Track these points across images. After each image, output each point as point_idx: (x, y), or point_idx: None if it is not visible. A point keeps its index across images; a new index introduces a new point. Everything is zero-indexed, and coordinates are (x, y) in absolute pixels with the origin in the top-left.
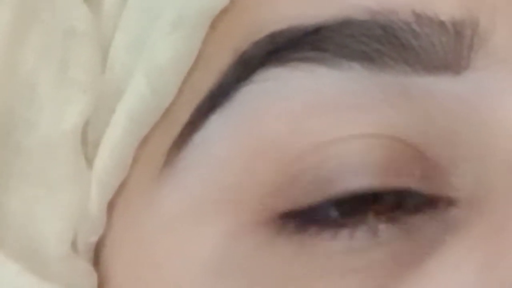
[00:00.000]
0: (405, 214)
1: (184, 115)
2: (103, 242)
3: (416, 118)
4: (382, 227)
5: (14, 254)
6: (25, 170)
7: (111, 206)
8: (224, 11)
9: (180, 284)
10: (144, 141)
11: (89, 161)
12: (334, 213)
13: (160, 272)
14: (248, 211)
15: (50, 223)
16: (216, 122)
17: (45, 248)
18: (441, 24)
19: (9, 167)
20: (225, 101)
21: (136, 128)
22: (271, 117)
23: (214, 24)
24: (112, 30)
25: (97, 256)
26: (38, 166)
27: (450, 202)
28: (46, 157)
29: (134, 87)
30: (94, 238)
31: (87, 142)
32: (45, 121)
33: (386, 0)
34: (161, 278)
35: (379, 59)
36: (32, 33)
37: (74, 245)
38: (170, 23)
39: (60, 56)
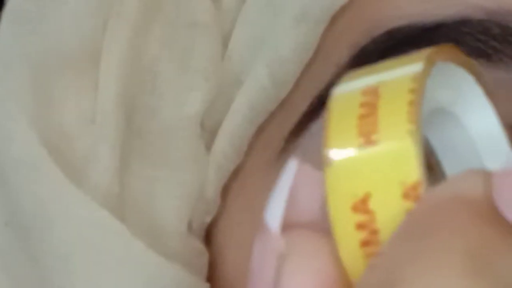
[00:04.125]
0: None
1: (301, 105)
2: (215, 223)
3: None
4: None
5: (135, 231)
6: (146, 152)
7: (225, 189)
8: (344, 7)
9: None
10: (261, 128)
11: (206, 145)
12: None
13: None
14: None
15: (169, 202)
16: None
17: (164, 225)
18: None
19: (131, 149)
20: None
21: (255, 115)
22: None
23: (333, 19)
24: (231, 24)
25: (207, 237)
26: (158, 149)
27: None
28: (167, 140)
29: (254, 77)
30: (208, 219)
31: (204, 127)
32: (166, 107)
33: (504, 1)
34: None
35: (495, 56)
36: (155, 25)
37: (189, 224)
38: (294, 18)
39: (183, 46)
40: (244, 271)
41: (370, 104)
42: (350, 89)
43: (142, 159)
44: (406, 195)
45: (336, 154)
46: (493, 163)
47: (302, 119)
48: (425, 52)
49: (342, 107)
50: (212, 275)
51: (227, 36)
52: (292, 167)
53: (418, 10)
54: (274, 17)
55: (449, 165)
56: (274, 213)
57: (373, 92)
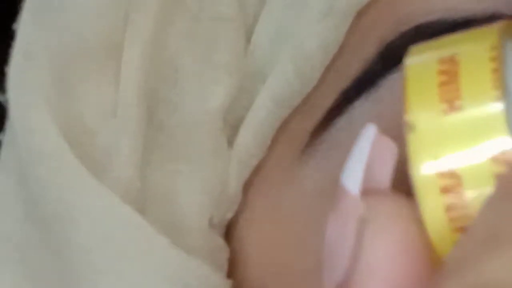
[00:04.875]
0: None
1: (327, 99)
2: (236, 219)
3: None
4: None
5: (156, 226)
6: (167, 146)
7: (247, 184)
8: (371, 1)
9: (318, 260)
10: (284, 123)
11: (228, 140)
12: None
13: (296, 248)
14: None
15: (191, 197)
16: (361, 107)
17: (185, 220)
18: None
19: (152, 144)
20: (371, 87)
21: (280, 110)
22: None
23: (360, 14)
24: (255, 18)
25: (227, 233)
26: (180, 143)
27: None
28: (188, 134)
29: (279, 72)
30: (230, 215)
31: (227, 122)
32: (188, 101)
33: None
34: (297, 255)
35: None
36: (177, 18)
37: (210, 220)
38: (320, 12)
39: (206, 40)
40: (264, 267)
41: (450, 72)
42: (424, 59)
43: (164, 154)
44: (494, 159)
45: (420, 119)
46: None
47: (326, 115)
48: (494, 26)
49: (419, 75)
50: (232, 271)
51: (250, 30)
52: (370, 132)
53: (447, 5)
54: (298, 11)
55: None
56: (353, 178)
57: (450, 61)
